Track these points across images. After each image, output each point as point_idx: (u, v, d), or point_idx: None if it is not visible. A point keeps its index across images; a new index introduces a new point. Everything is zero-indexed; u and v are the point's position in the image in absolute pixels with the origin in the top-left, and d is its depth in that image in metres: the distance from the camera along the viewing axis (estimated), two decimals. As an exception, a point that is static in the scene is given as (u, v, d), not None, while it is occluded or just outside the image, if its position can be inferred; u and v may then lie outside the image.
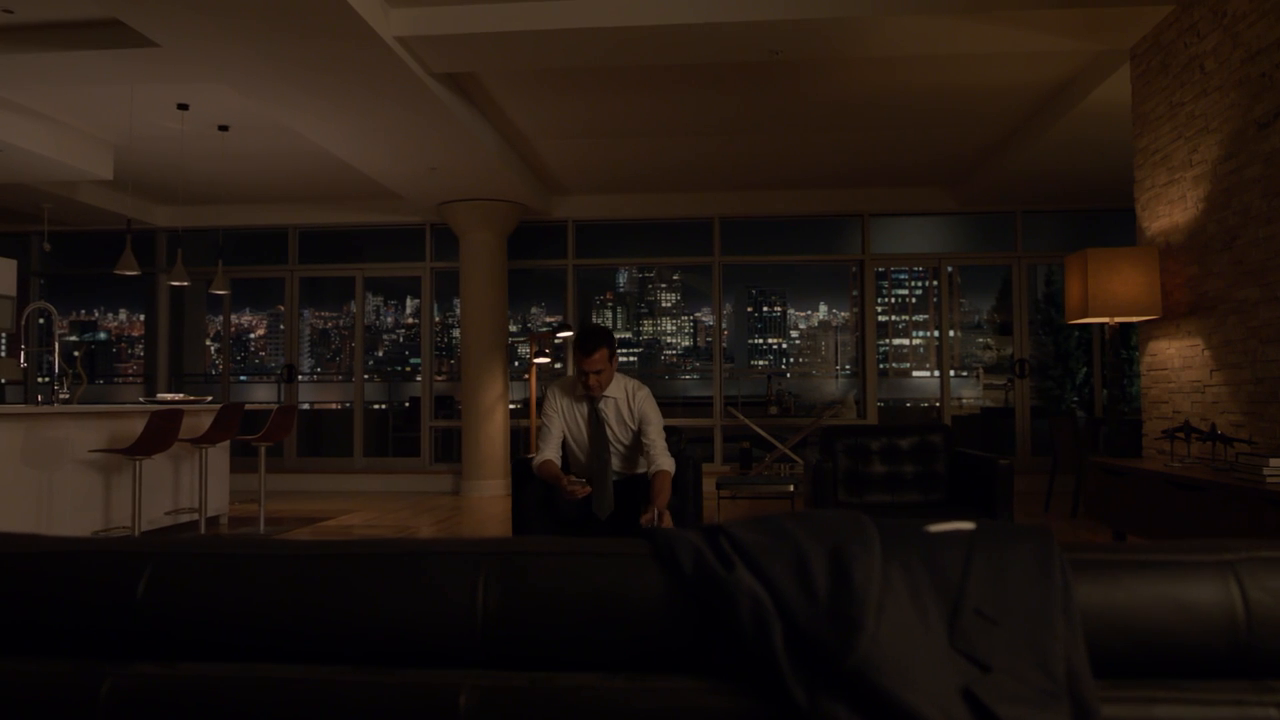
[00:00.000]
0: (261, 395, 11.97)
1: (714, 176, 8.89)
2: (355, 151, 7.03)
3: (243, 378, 13.99)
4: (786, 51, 5.37)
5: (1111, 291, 4.77)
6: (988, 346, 13.39)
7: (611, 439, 3.89)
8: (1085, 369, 11.25)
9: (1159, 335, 5.04)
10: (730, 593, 0.83)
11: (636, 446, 3.94)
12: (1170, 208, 4.89)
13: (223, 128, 6.96)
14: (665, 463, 3.80)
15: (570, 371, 9.85)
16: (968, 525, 0.91)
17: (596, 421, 3.89)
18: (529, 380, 9.11)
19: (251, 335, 15.06)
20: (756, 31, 5.08)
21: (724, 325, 9.96)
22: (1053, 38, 5.22)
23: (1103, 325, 6.83)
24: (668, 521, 3.58)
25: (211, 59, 5.08)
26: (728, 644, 0.84)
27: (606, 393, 3.89)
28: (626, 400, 3.90)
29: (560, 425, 3.95)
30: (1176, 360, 4.86)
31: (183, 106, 6.44)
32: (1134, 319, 4.95)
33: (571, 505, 3.72)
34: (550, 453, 3.88)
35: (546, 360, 9.30)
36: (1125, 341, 11.21)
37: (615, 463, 3.89)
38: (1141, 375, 5.26)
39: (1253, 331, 4.14)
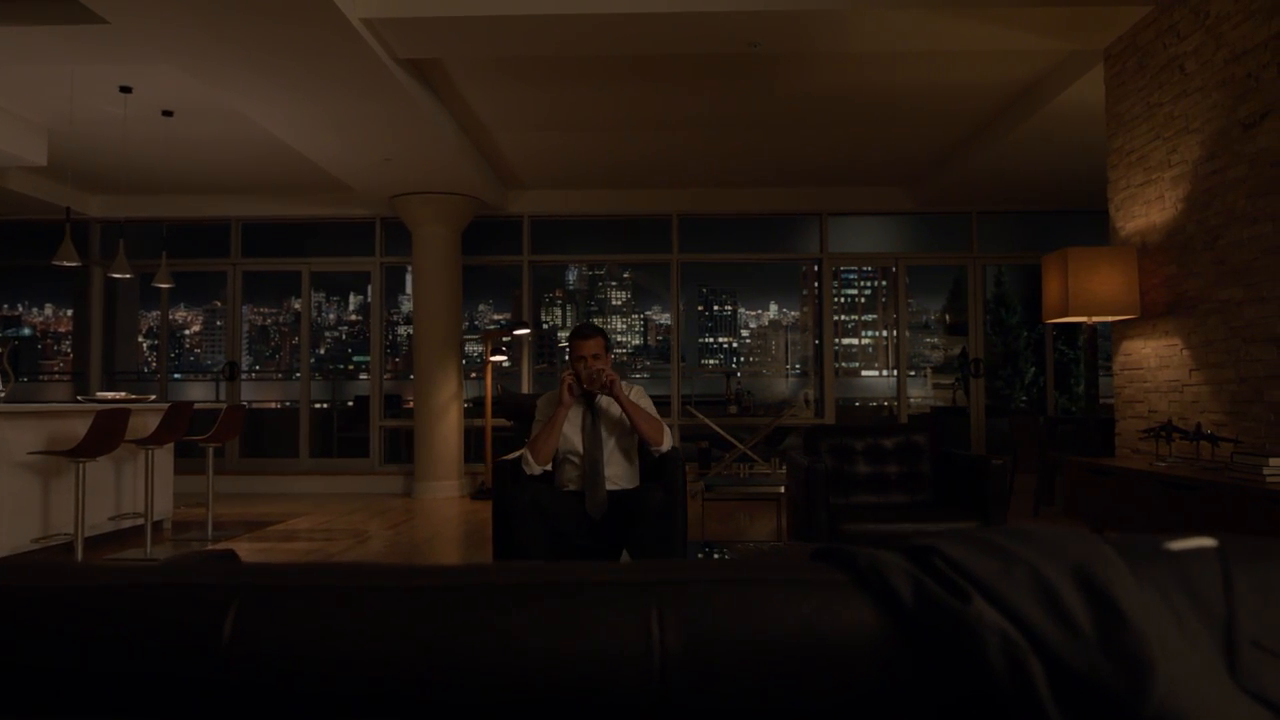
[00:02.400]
0: (198, 394, 11.51)
1: (674, 173, 8.77)
2: (309, 140, 6.74)
3: (176, 375, 13.45)
4: (766, 44, 5.27)
5: (1091, 291, 4.76)
6: (935, 346, 13.53)
7: (605, 438, 3.78)
8: (1034, 368, 11.42)
9: (1134, 335, 5.06)
10: (972, 628, 0.70)
11: (632, 451, 3.87)
12: (1147, 208, 4.91)
13: (167, 113, 6.61)
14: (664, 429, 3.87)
15: (526, 371, 9.64)
16: (1209, 541, 0.79)
17: (592, 419, 3.81)
18: (483, 379, 8.88)
19: (186, 332, 14.49)
20: (737, 22, 4.97)
21: (673, 324, 9.85)
22: (1029, 35, 5.20)
23: (1068, 325, 6.94)
24: (610, 377, 3.69)
25: (164, 39, 4.79)
26: (968, 688, 0.70)
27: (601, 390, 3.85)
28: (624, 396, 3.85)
29: None
30: (1153, 360, 4.87)
31: (125, 89, 6.09)
32: (1112, 318, 4.95)
33: (566, 514, 3.60)
34: None
35: (503, 358, 9.09)
36: (1073, 341, 11.40)
37: (610, 470, 3.77)
38: (1115, 375, 5.28)
39: (1236, 331, 4.15)
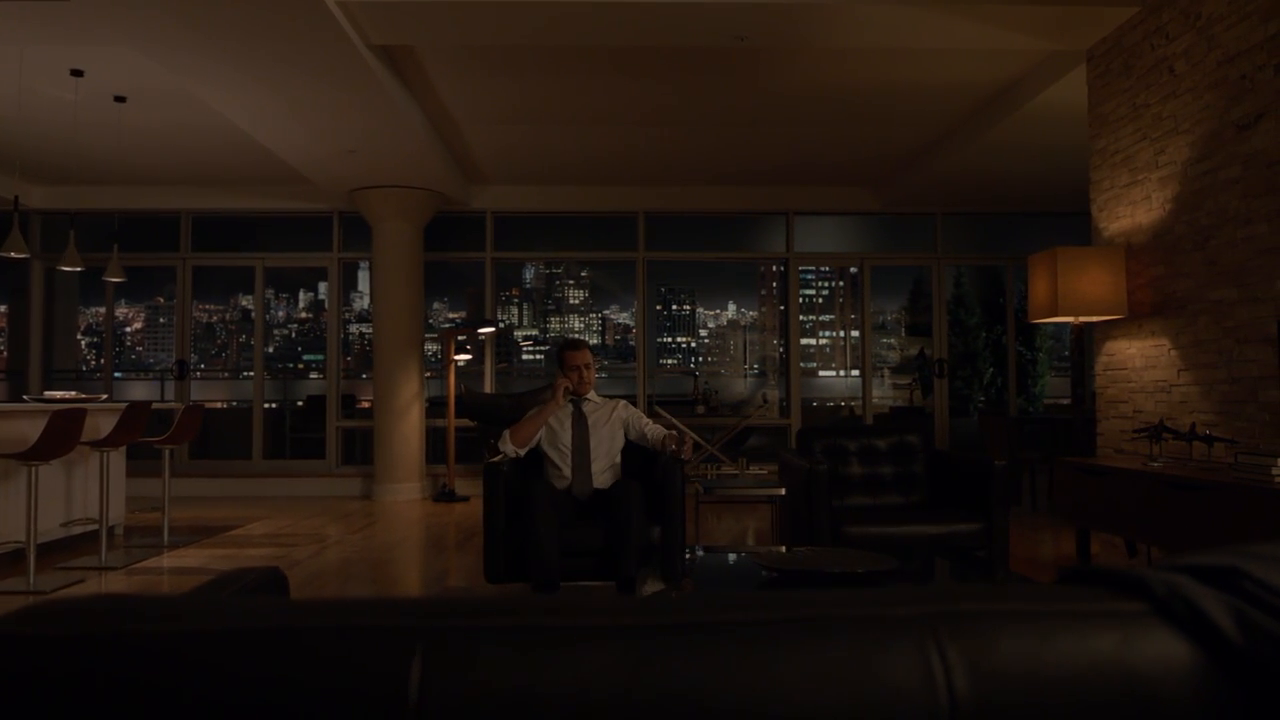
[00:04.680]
0: (142, 393, 11.08)
1: (642, 170, 8.65)
2: (271, 129, 6.48)
3: (117, 374, 12.94)
4: (752, 38, 5.18)
5: (1080, 291, 4.76)
6: (891, 346, 13.61)
7: (594, 441, 4.00)
8: (992, 369, 11.53)
9: (1118, 335, 5.07)
10: (1326, 668, 0.59)
11: (618, 460, 4.08)
12: (1132, 209, 4.92)
13: (120, 98, 6.29)
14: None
15: (489, 370, 9.43)
16: None
17: (580, 421, 4.04)
18: (439, 379, 8.66)
19: (127, 329, 13.98)
20: (725, 14, 4.87)
21: (638, 323, 9.74)
22: (1015, 34, 5.19)
23: (1027, 326, 7.00)
24: (688, 444, 3.88)
25: (124, 19, 4.53)
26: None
27: (589, 397, 4.14)
28: (610, 408, 4.12)
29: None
30: (1138, 360, 4.89)
31: (77, 73, 5.77)
32: (1099, 318, 4.96)
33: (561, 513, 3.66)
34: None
35: (467, 357, 8.88)
36: (1031, 342, 11.55)
37: (596, 470, 3.98)
38: (1098, 375, 5.29)
39: (1228, 331, 4.17)
